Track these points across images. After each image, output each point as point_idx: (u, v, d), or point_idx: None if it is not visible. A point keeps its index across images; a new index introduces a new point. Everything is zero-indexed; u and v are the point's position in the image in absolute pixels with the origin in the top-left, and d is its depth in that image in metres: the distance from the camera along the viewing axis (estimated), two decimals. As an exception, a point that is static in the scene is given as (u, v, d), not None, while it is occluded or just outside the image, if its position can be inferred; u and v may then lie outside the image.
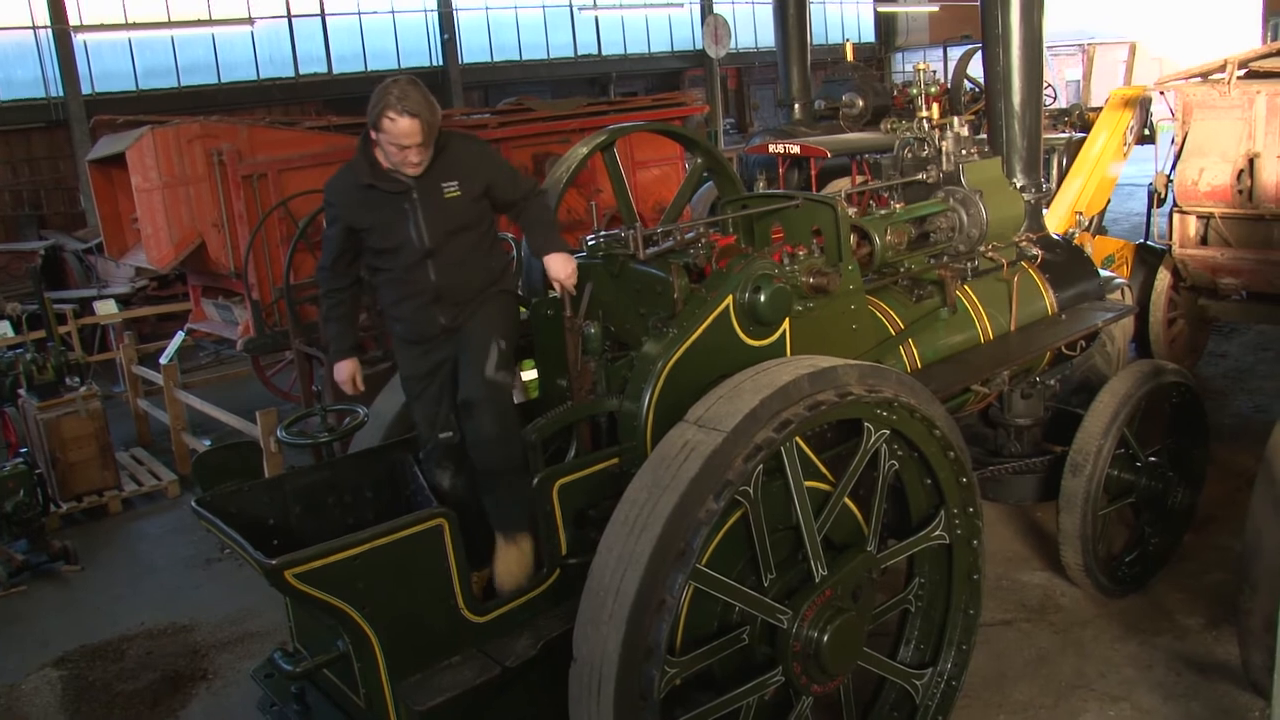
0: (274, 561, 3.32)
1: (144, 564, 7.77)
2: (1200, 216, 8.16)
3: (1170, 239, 8.44)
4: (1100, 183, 8.88)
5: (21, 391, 8.66)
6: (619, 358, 4.05)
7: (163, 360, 9.61)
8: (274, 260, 9.33)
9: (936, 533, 4.33)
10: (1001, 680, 5.20)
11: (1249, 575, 4.68)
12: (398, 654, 3.55)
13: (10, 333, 10.71)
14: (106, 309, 11.72)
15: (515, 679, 3.64)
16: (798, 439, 3.80)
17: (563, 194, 4.88)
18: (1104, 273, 6.38)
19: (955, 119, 5.52)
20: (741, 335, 4.02)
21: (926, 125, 5.56)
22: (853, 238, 4.66)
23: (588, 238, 4.42)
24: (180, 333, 10.52)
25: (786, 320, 4.15)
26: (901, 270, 5.02)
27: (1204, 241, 8.29)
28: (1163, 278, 8.67)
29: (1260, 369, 9.58)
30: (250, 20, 25.51)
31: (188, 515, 3.89)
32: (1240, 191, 7.74)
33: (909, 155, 5.60)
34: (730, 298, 3.97)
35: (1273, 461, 4.56)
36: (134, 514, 8.70)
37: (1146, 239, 9.28)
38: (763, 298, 3.99)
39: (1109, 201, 9.50)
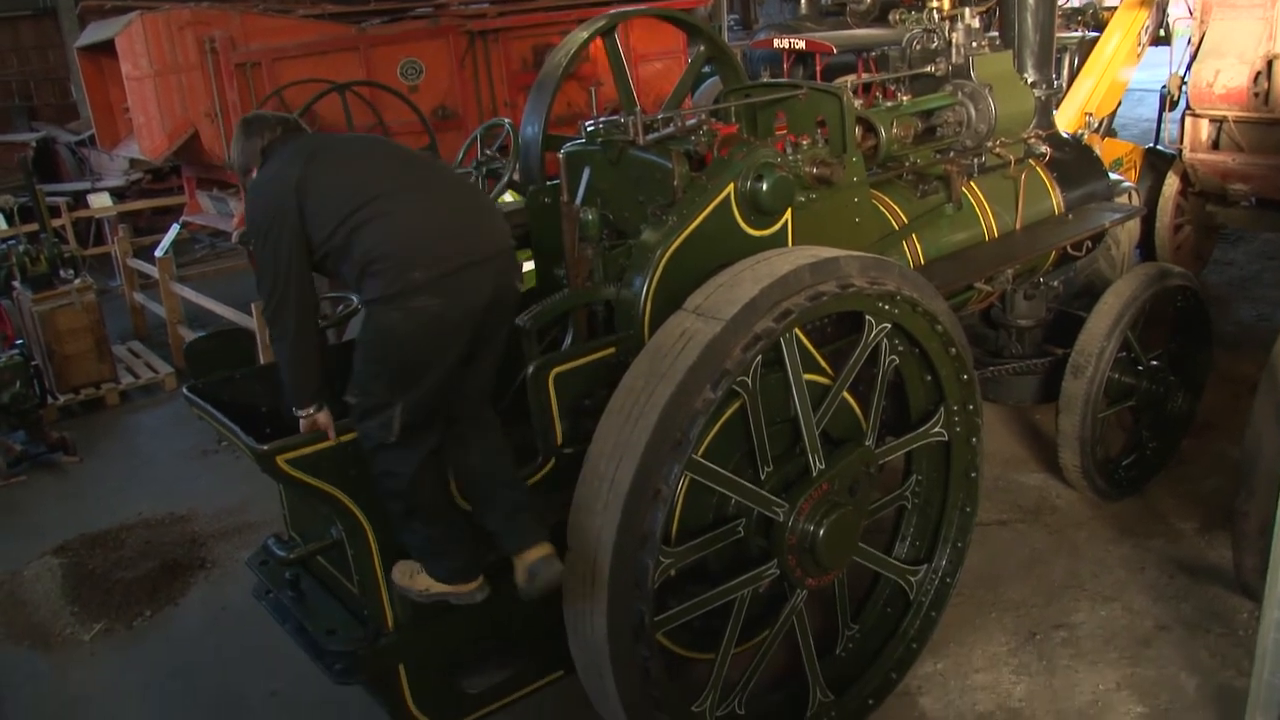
0: (266, 447, 3.29)
1: (142, 455, 7.80)
2: (1213, 120, 7.99)
3: (1181, 143, 8.30)
4: (1111, 85, 8.66)
5: (15, 284, 8.59)
6: (616, 246, 3.96)
7: (158, 253, 9.52)
8: (269, 151, 9.18)
9: (935, 429, 4.30)
10: (995, 579, 5.23)
11: (1247, 479, 4.68)
12: (391, 541, 3.53)
13: (3, 225, 10.61)
14: (100, 202, 11.57)
15: (509, 568, 3.63)
16: (797, 331, 3.74)
17: (560, 83, 4.73)
18: (1112, 176, 6.26)
19: (966, 10, 5.34)
20: (742, 224, 3.93)
21: (936, 16, 5.39)
22: (858, 130, 4.54)
23: (586, 123, 4.30)
24: (175, 225, 10.40)
25: (788, 211, 4.05)
26: (907, 164, 4.90)
27: (1215, 146, 8.14)
28: (1171, 183, 8.54)
29: (1265, 277, 9.50)
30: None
31: (185, 408, 3.84)
32: (1256, 95, 7.57)
33: (917, 47, 5.44)
34: (731, 186, 3.87)
35: (1277, 367, 4.51)
36: (131, 407, 8.71)
37: (1156, 143, 9.13)
38: (765, 186, 3.89)
39: (1119, 105, 9.31)
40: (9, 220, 10.88)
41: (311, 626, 3.77)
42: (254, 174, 3.49)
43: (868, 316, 3.90)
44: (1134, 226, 7.75)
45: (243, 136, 3.51)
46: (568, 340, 3.90)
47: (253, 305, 7.25)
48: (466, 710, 3.81)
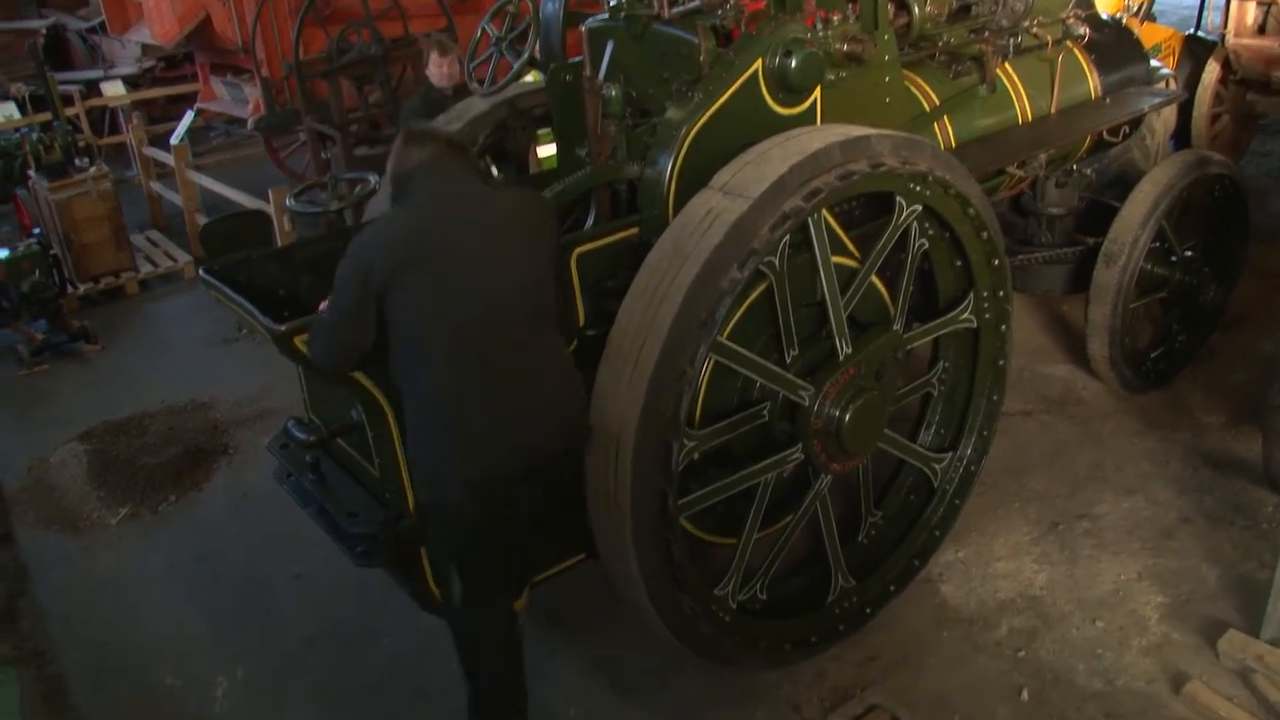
0: (283, 328, 3.24)
1: (163, 344, 7.80)
2: (1261, 3, 7.71)
3: (1224, 28, 8.01)
4: (1152, -34, 8.37)
5: (31, 173, 8.51)
6: (640, 124, 3.85)
7: (173, 140, 9.40)
8: (283, 35, 8.96)
9: (964, 316, 4.22)
10: (1019, 469, 5.20)
11: (1279, 372, 4.60)
12: (412, 422, 3.50)
13: (16, 114, 10.47)
14: (114, 90, 11.40)
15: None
16: (826, 212, 3.64)
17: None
18: (1151, 62, 6.05)
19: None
20: (770, 102, 3.81)
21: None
22: (890, 7, 4.37)
23: (610, -3, 4.15)
24: (190, 112, 10.25)
25: (817, 89, 3.92)
26: (940, 44, 4.72)
27: (1262, 30, 7.86)
28: (1211, 70, 8.28)
29: (1303, 170, 9.28)
30: None
31: (205, 296, 3.79)
32: (1310, -25, 7.28)
33: (953, -79, 5.20)
34: (759, 62, 3.74)
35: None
36: (151, 295, 8.69)
37: (1197, 29, 8.82)
38: (793, 63, 3.75)
39: (1159, -12, 9.00)
40: (21, 109, 10.73)
41: (333, 509, 3.76)
42: (390, 190, 3.30)
43: (898, 198, 3.79)
44: (1170, 116, 7.54)
45: (400, 144, 3.28)
46: (590, 220, 3.81)
47: (270, 191, 7.15)
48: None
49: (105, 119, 12.30)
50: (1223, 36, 8.02)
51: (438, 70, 6.51)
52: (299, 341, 3.24)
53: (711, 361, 3.48)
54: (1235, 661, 4.01)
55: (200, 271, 3.84)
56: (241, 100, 10.04)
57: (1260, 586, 4.17)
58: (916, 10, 4.54)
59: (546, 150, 4.69)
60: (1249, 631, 4.08)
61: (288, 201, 4.45)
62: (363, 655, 4.45)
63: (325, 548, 3.92)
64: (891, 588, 4.35)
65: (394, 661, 4.40)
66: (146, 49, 11.51)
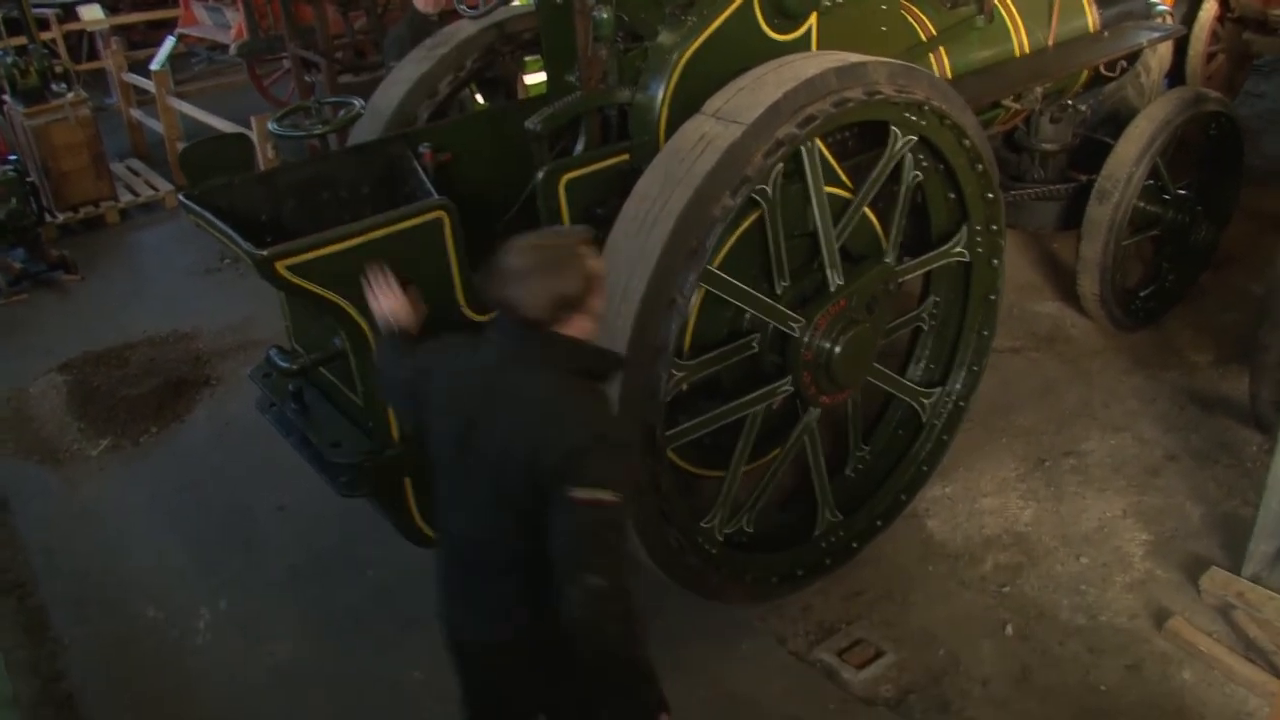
0: (265, 252, 3.16)
1: (144, 274, 7.71)
2: (1261, -60, 7.58)
3: (1222, -36, 7.90)
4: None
5: (6, 98, 8.32)
6: (632, 48, 3.76)
7: (154, 66, 9.22)
8: (266, -46, 8.76)
9: (957, 249, 4.18)
10: (1007, 406, 5.19)
11: (1271, 310, 4.60)
12: (397, 350, 3.45)
13: (-11, 37, 10.21)
14: (92, 14, 11.12)
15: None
16: (819, 141, 3.57)
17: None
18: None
19: None
20: (765, 27, 3.71)
21: None
22: (888, -68, 4.27)
23: (601, -83, 4.02)
24: (171, 37, 10.04)
25: (813, 15, 3.82)
26: (938, -27, 4.64)
27: (1260, -32, 7.75)
28: (1208, 8, 8.14)
29: (1296, 112, 9.21)
30: None
31: (187, 226, 3.71)
32: (1311, -92, 7.16)
33: None
34: (755, -15, 3.65)
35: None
36: (132, 225, 8.57)
37: (1195, -35, 8.68)
38: (790, -14, 3.66)
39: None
40: (-5, 32, 10.48)
41: (316, 439, 3.72)
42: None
43: (893, 127, 3.73)
44: (1165, 54, 7.42)
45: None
46: (579, 146, 3.73)
47: (253, 118, 7.01)
48: (474, 522, 3.79)
49: (83, 44, 12.04)
50: (1221, -28, 7.91)
51: None
52: (281, 266, 3.17)
53: (702, 291, 3.43)
54: (1216, 598, 4.04)
55: (180, 197, 3.75)
56: (224, 25, 9.82)
57: (1243, 524, 4.18)
58: (915, -63, 4.44)
59: (535, 78, 4.57)
60: (1231, 568, 4.11)
61: (270, 125, 4.34)
62: (347, 585, 4.44)
63: (309, 478, 3.87)
64: (878, 523, 4.35)
65: (378, 591, 4.39)
66: (126, -29, 11.28)
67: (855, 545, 4.26)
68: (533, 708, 2.78)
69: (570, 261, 2.47)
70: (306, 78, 8.66)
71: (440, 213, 3.37)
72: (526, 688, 2.72)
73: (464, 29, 4.66)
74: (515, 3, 4.91)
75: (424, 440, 2.74)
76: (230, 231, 3.36)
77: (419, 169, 3.91)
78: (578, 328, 2.50)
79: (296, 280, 3.22)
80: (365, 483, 3.57)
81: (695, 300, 3.43)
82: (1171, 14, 6.88)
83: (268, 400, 4.06)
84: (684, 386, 3.54)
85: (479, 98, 5.27)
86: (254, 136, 6.79)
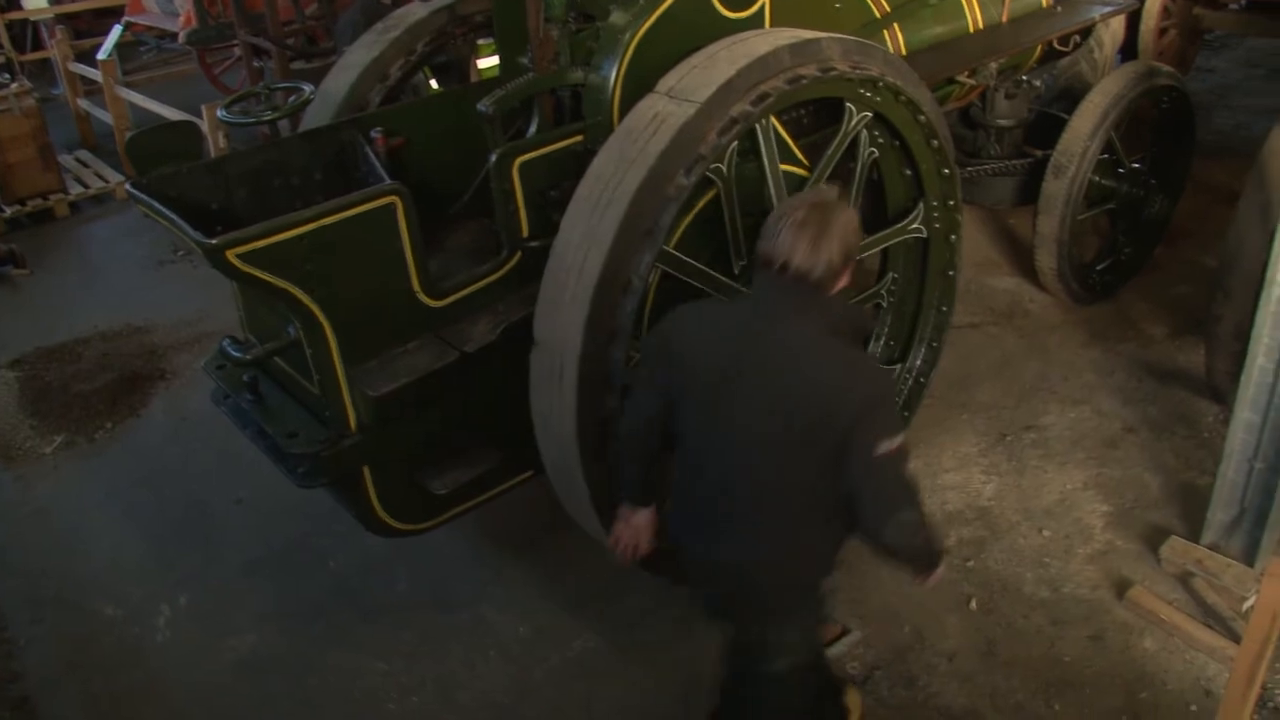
0: (215, 241, 3.10)
1: (95, 267, 7.58)
2: (1209, -86, 7.65)
3: (1172, -60, 7.96)
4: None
5: (-54, 88, 8.15)
6: (584, 28, 3.72)
7: (100, 55, 9.05)
8: (213, -57, 8.61)
9: (914, 225, 4.18)
10: (966, 381, 5.21)
11: (1224, 282, 4.62)
12: (351, 339, 3.40)
13: (-72, 27, 10.01)
14: (35, 3, 10.92)
15: (474, 365, 3.52)
16: (774, 119, 3.55)
17: None
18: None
19: None
20: (717, 5, 3.70)
21: None
22: (841, -92, 4.25)
23: (550, -103, 3.98)
24: (118, 26, 9.85)
25: (767, -9, 3.81)
26: (891, -52, 4.62)
27: (1209, -58, 7.82)
28: (1160, -16, 8.22)
29: (1246, 85, 9.31)
30: None
31: (138, 218, 3.64)
32: (1255, -116, 7.22)
33: None
34: (707, -38, 3.62)
35: (1264, 170, 4.39)
36: (82, 217, 8.42)
37: (1147, -59, 8.74)
38: (742, -37, 3.64)
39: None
40: (-66, 22, 10.28)
41: (272, 430, 3.66)
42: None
43: (848, 104, 3.71)
44: (1118, 29, 7.47)
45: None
46: (533, 128, 3.69)
47: (203, 107, 6.90)
48: (434, 511, 3.76)
49: (27, 33, 11.79)
50: (1172, -52, 7.97)
51: None
52: (232, 255, 3.11)
53: (658, 272, 3.40)
54: (1176, 566, 4.08)
55: (128, 186, 3.67)
56: (172, 13, 9.65)
57: (1201, 494, 4.23)
58: (867, -87, 4.41)
59: (488, 63, 4.52)
60: (1190, 537, 4.15)
61: (219, 112, 4.26)
62: (308, 578, 4.39)
63: (268, 470, 3.83)
64: (841, 501, 4.35)
65: (340, 583, 4.35)
66: (69, -41, 11.06)
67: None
68: (760, 623, 2.94)
69: (844, 226, 2.60)
70: (257, 64, 8.53)
71: (393, 198, 3.32)
72: (758, 606, 2.89)
73: (415, 12, 4.60)
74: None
75: (675, 413, 2.81)
76: (179, 221, 3.30)
77: (371, 154, 3.85)
78: (840, 286, 2.66)
79: (248, 269, 3.16)
80: (324, 473, 3.52)
81: (652, 281, 3.41)
82: (1124, -11, 6.95)
83: (223, 392, 4.00)
84: (643, 369, 3.52)
85: (433, 82, 5.21)
86: (205, 125, 6.69)
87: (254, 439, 3.76)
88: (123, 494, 5.04)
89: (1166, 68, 5.72)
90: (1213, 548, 4.08)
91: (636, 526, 3.03)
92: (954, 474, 4.65)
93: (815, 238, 2.53)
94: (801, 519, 2.71)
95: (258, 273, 3.18)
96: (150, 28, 10.61)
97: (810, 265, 2.53)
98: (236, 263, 3.13)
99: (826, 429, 2.52)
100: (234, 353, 3.76)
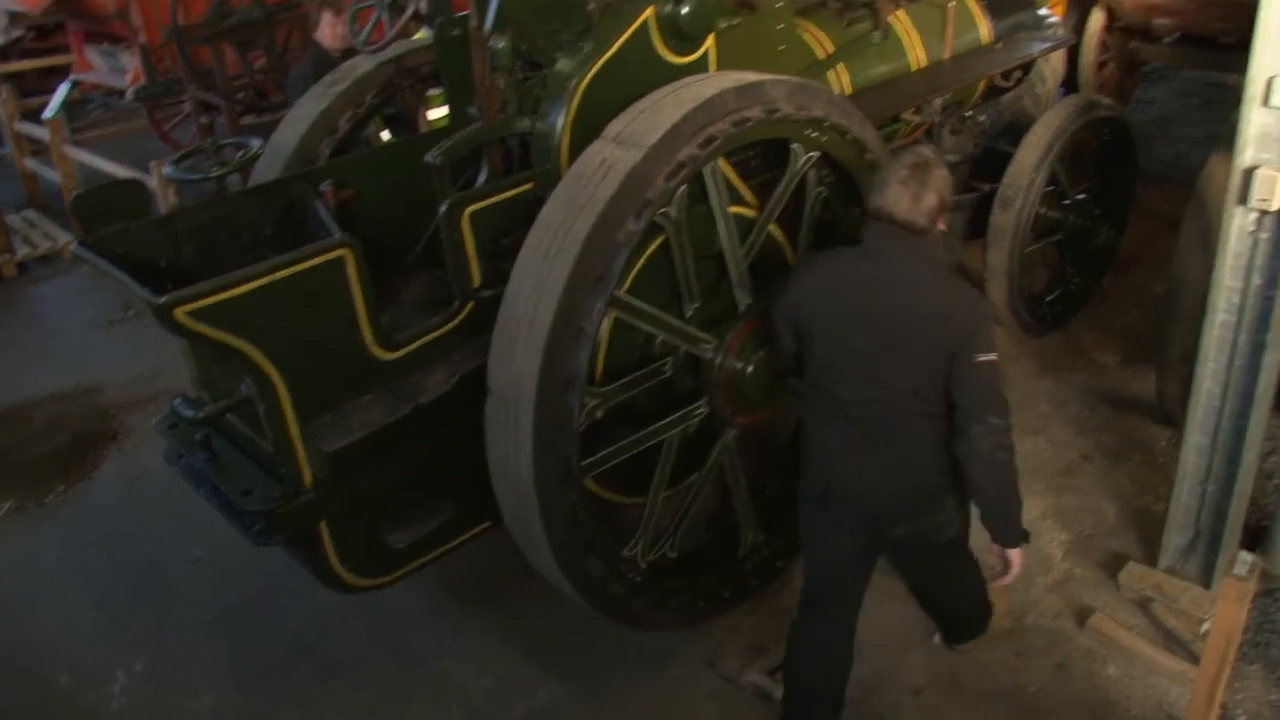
0: (163, 299, 3.07)
1: (45, 328, 7.48)
2: (1141, -48, 7.84)
3: (1107, -24, 8.15)
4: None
5: (-108, 152, 8.06)
6: (531, 77, 3.74)
7: (47, 114, 8.97)
8: (159, -1, 8.57)
9: (864, 264, 4.21)
10: (923, 415, 5.24)
11: (1171, 308, 4.70)
12: (304, 395, 3.37)
13: None
14: (-21, 63, 10.83)
15: (429, 417, 3.50)
16: (722, 161, 3.58)
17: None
18: (1039, 10, 6.10)
19: None
20: (662, 51, 3.73)
21: None
22: (781, -47, 4.31)
23: (495, -53, 4.01)
24: (65, 84, 9.78)
25: (710, 37, 3.85)
26: (832, -9, 4.71)
27: (1142, -22, 8.01)
28: (1096, 19, 8.40)
29: (1184, 115, 9.53)
30: None
31: (87, 277, 3.59)
32: (1182, -76, 7.42)
33: None
34: (650, 9, 3.65)
35: (1203, 195, 4.49)
36: (30, 278, 8.32)
37: (1082, -22, 8.95)
38: (685, 9, 3.67)
39: (1045, -61, 9.09)
40: (-121, 84, 10.13)
41: (226, 488, 3.61)
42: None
43: (794, 144, 3.75)
44: (1059, 64, 7.64)
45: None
46: (482, 178, 3.70)
47: (152, 163, 6.86)
48: (394, 566, 3.71)
49: (-30, 93, 11.68)
50: (1106, -16, 8.16)
51: (331, 31, 6.28)
52: (181, 313, 3.08)
53: (612, 317, 3.41)
54: (1135, 591, 4.12)
55: (74, 245, 3.63)
56: (120, 70, 9.59)
57: (1157, 519, 4.27)
58: (808, -43, 4.50)
59: (437, 113, 4.53)
60: (1148, 562, 4.20)
61: (165, 169, 4.24)
62: (265, 635, 4.33)
63: (224, 529, 3.76)
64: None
65: (298, 640, 4.29)
66: (14, 18, 10.90)
67: (780, 564, 4.25)
68: (927, 508, 3.32)
69: (939, 180, 3.12)
70: (206, 120, 8.49)
71: (343, 250, 3.31)
72: (922, 495, 3.29)
73: (362, 64, 4.61)
74: (415, 37, 4.89)
75: (806, 351, 3.31)
76: (127, 279, 3.27)
77: (321, 207, 3.84)
78: (938, 229, 3.15)
79: (197, 327, 3.13)
80: (279, 529, 3.46)
81: (605, 326, 3.41)
82: (1062, 24, 7.10)
83: (175, 451, 3.94)
84: (599, 414, 3.51)
85: (385, 134, 5.20)
86: (154, 182, 6.65)
87: (208, 498, 3.70)
88: (75, 557, 4.94)
89: (1107, 100, 5.85)
90: (1170, 571, 4.12)
91: None
92: (914, 508, 4.66)
93: (917, 191, 3.05)
94: (930, 419, 3.16)
95: (207, 330, 3.15)
96: (98, 85, 10.54)
97: (914, 214, 3.05)
98: (185, 320, 3.10)
99: (940, 343, 3.03)
100: (185, 411, 3.72)
